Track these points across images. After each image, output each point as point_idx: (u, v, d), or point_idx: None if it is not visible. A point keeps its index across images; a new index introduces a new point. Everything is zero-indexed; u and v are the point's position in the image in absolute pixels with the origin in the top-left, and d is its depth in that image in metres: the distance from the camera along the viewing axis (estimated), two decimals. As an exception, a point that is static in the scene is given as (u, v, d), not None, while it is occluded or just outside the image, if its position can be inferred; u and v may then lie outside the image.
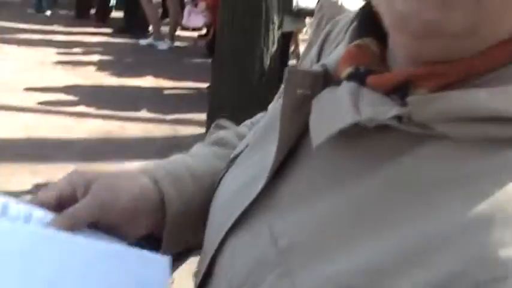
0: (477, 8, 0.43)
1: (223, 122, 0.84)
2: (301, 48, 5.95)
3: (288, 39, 5.12)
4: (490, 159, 0.42)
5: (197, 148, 0.78)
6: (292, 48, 6.04)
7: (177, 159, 0.74)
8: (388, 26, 0.48)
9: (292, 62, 5.75)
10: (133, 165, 0.69)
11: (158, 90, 5.62)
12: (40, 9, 8.45)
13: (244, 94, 3.40)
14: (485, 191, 0.40)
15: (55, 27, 7.71)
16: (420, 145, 0.45)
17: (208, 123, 3.67)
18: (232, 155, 0.67)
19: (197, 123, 4.59)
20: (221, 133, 0.81)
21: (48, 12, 8.44)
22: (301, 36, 6.37)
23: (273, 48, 3.59)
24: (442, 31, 0.44)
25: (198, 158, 0.74)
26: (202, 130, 4.16)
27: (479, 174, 0.42)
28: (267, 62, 3.53)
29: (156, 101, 5.29)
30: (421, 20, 0.44)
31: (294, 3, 4.94)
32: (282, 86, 0.56)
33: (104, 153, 4.08)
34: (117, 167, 0.75)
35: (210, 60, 5.38)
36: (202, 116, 4.35)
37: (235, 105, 3.45)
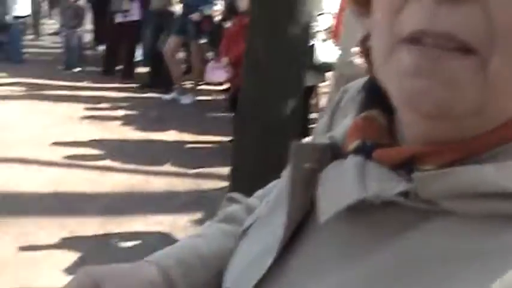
0: (485, 87, 0.43)
1: (235, 195, 0.83)
2: (322, 101, 6.02)
3: (309, 93, 5.19)
4: (498, 236, 0.41)
5: (206, 227, 0.79)
6: (313, 102, 6.11)
7: (186, 244, 0.74)
8: (396, 103, 0.48)
9: (313, 115, 5.81)
10: (142, 262, 0.69)
11: (181, 144, 5.71)
12: (69, 66, 8.72)
13: (267, 147, 3.45)
14: (495, 269, 0.40)
15: (83, 83, 7.93)
16: (426, 221, 0.45)
17: (231, 177, 3.71)
18: (242, 229, 0.67)
19: (220, 177, 4.64)
20: (230, 209, 0.81)
21: (77, 69, 8.70)
22: (321, 90, 6.45)
23: (296, 101, 3.66)
24: (452, 110, 0.44)
25: (207, 239, 0.75)
26: (225, 184, 4.20)
27: (489, 252, 0.41)
28: (289, 115, 3.58)
29: (179, 155, 5.37)
30: (431, 99, 0.44)
31: (315, 58, 5.03)
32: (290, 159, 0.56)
33: (129, 207, 4.14)
34: (125, 265, 0.74)
35: (232, 114, 5.46)
36: (225, 170, 4.40)
37: (257, 158, 3.50)
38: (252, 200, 0.81)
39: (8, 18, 8.73)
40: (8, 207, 3.98)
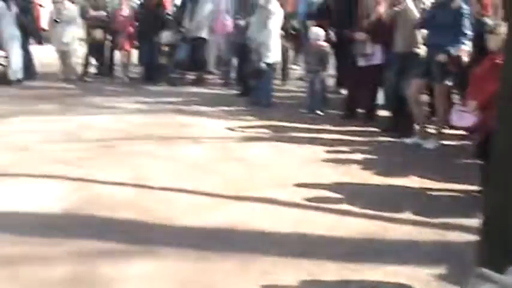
0: None
1: (485, 272, 0.71)
2: None
3: None
4: None
5: None
6: None
7: None
8: None
9: None
10: None
11: (424, 191, 5.45)
12: (312, 109, 9.01)
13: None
14: None
15: (325, 126, 8.13)
16: None
17: (481, 232, 3.37)
18: None
19: (466, 229, 4.29)
20: None
21: (320, 112, 8.95)
22: None
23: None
24: None
25: None
26: (471, 237, 3.86)
27: None
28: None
29: (421, 202, 5.12)
30: None
31: None
32: None
33: (366, 255, 4.02)
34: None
35: (480, 161, 5.08)
36: (472, 222, 4.06)
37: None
38: (508, 279, 0.74)
39: (262, 65, 9.39)
40: (250, 246, 4.13)
